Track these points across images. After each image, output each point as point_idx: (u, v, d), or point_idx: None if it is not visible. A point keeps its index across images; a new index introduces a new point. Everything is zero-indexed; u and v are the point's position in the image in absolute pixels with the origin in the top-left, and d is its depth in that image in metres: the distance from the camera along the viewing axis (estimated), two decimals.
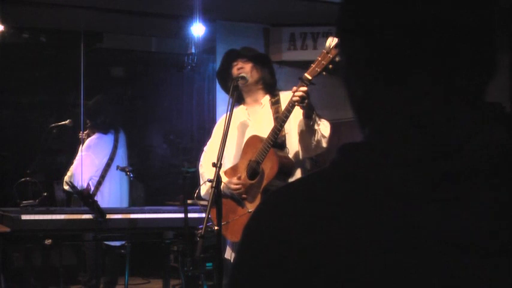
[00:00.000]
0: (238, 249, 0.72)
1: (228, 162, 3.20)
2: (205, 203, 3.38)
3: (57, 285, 4.53)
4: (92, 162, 5.31)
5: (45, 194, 4.48)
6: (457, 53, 0.66)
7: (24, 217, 4.01)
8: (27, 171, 4.72)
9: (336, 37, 0.73)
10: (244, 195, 3.07)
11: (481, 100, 0.68)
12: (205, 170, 3.27)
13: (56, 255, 4.59)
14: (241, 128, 3.22)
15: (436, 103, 0.66)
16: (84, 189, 4.74)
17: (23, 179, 4.59)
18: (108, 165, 5.33)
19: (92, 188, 5.22)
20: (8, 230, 4.00)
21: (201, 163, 3.37)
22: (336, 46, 2.80)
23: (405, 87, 0.68)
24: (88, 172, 5.29)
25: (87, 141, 5.39)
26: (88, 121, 5.51)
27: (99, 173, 5.31)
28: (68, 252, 5.65)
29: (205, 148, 3.41)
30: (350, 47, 0.72)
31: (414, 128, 0.66)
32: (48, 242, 3.94)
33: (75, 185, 4.89)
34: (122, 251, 4.79)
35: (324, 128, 2.96)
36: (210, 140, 3.40)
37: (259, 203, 0.73)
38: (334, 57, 2.79)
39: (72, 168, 5.35)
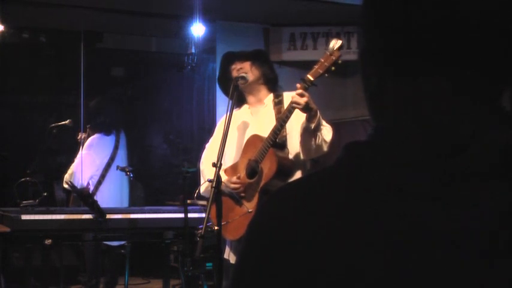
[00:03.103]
0: (241, 249, 0.72)
1: (228, 161, 3.20)
2: (205, 203, 3.39)
3: (57, 285, 4.53)
4: (93, 162, 5.31)
5: (45, 194, 4.48)
6: (471, 53, 0.66)
7: (24, 217, 4.01)
8: (27, 171, 4.72)
9: (358, 26, 0.74)
10: (242, 194, 3.07)
11: (491, 101, 0.68)
12: (206, 167, 3.27)
13: (56, 255, 4.59)
14: (243, 127, 3.21)
15: (444, 102, 0.66)
16: (83, 188, 4.75)
17: (23, 179, 4.59)
18: (108, 165, 5.33)
19: (92, 188, 5.22)
20: (8, 230, 4.00)
21: (202, 160, 3.37)
22: (339, 48, 2.80)
23: (416, 84, 0.68)
24: (88, 171, 5.29)
25: (89, 140, 5.39)
26: (90, 122, 5.51)
27: (99, 172, 5.31)
28: (68, 252, 5.65)
29: (207, 145, 3.41)
30: (370, 38, 0.72)
31: (420, 126, 0.66)
32: (48, 242, 3.94)
33: (75, 184, 4.89)
34: (122, 251, 4.79)
35: (326, 132, 2.94)
36: (212, 138, 3.40)
37: (262, 202, 0.73)
38: (337, 59, 2.79)
39: (72, 167, 5.35)
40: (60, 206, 5.57)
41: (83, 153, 5.34)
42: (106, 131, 5.40)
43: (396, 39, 0.68)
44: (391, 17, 0.69)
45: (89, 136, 5.45)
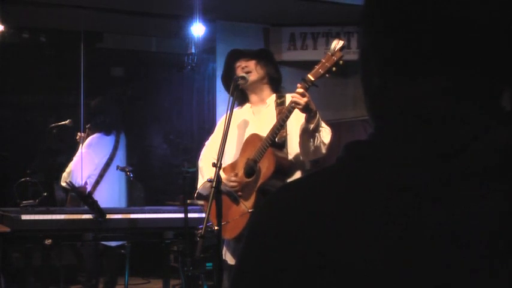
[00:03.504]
0: (241, 249, 0.72)
1: (228, 159, 3.20)
2: (203, 203, 3.39)
3: (57, 285, 4.53)
4: (92, 161, 5.30)
5: (45, 194, 4.48)
6: (471, 53, 0.66)
7: (24, 217, 4.01)
8: (27, 171, 4.73)
9: (359, 27, 0.73)
10: (239, 193, 3.07)
11: (491, 101, 0.68)
12: (204, 165, 3.27)
13: (56, 255, 4.59)
14: (243, 126, 3.21)
15: (444, 102, 0.66)
16: (80, 187, 4.73)
17: (23, 179, 4.59)
18: (107, 165, 5.32)
19: (89, 187, 5.21)
20: (8, 230, 4.00)
21: (200, 157, 3.37)
22: (341, 49, 2.79)
23: (416, 84, 0.68)
24: (86, 170, 5.28)
25: (89, 139, 5.38)
26: (90, 122, 5.50)
27: (97, 172, 5.29)
28: (68, 252, 5.65)
29: (207, 143, 3.41)
30: (371, 38, 0.72)
31: (420, 126, 0.66)
32: (48, 242, 3.94)
33: (73, 182, 4.88)
34: (122, 251, 4.79)
35: (324, 134, 2.93)
36: (212, 135, 3.39)
37: (262, 202, 0.73)
38: (338, 60, 2.78)
39: (71, 165, 5.33)
40: (60, 206, 5.57)
41: (82, 151, 5.33)
42: (106, 131, 5.40)
43: (396, 39, 0.68)
44: (391, 17, 0.69)
45: (88, 136, 5.44)
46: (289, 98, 3.13)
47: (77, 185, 4.90)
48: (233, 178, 3.06)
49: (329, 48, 2.83)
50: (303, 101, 2.79)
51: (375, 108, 0.73)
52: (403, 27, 0.67)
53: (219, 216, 2.83)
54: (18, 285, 4.66)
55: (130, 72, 7.64)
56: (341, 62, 2.79)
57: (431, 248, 0.61)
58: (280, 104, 3.16)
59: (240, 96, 3.21)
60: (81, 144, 5.41)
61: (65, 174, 5.31)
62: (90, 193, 4.64)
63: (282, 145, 3.06)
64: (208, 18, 5.80)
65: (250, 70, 3.15)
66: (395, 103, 0.69)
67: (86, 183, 5.19)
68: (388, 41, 0.69)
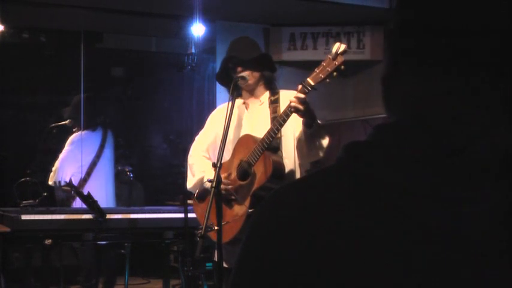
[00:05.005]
0: (241, 248, 0.72)
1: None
2: (192, 202, 3.37)
3: (57, 285, 4.53)
4: (75, 158, 5.25)
5: (45, 194, 4.47)
6: (474, 55, 0.66)
7: (24, 217, 4.01)
8: (27, 171, 4.72)
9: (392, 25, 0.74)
10: (233, 197, 3.01)
11: (492, 102, 0.68)
12: (195, 162, 3.24)
13: (56, 255, 4.59)
14: (236, 123, 3.17)
15: (445, 102, 0.67)
16: (67, 184, 4.70)
17: (23, 179, 4.59)
18: (93, 164, 5.27)
19: (75, 185, 5.15)
20: (8, 230, 4.00)
21: (190, 153, 3.32)
22: (343, 53, 2.69)
23: (418, 84, 0.68)
24: (71, 168, 5.22)
25: (72, 137, 5.33)
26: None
27: (83, 169, 5.26)
28: (68, 252, 5.65)
29: (197, 138, 3.36)
30: (388, 38, 0.73)
31: (421, 126, 0.66)
32: (48, 242, 3.94)
33: (60, 180, 4.86)
34: (122, 251, 4.79)
35: (322, 139, 2.89)
36: (202, 130, 3.35)
37: (262, 201, 0.73)
38: (339, 65, 2.68)
39: (56, 164, 5.29)
40: (60, 206, 5.57)
41: (66, 149, 5.29)
42: (92, 128, 5.35)
43: (402, 40, 0.69)
44: (399, 18, 0.69)
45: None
46: (282, 94, 3.10)
47: (63, 183, 4.87)
48: (226, 181, 3.01)
49: (330, 51, 2.73)
50: (302, 106, 2.74)
51: (385, 102, 0.73)
52: (406, 28, 0.68)
53: (219, 216, 2.81)
54: (18, 285, 4.66)
55: (130, 72, 7.64)
56: (342, 67, 2.69)
57: (431, 248, 0.61)
58: (273, 101, 3.11)
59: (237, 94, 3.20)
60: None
61: (51, 174, 5.28)
62: (78, 189, 4.62)
63: (276, 148, 3.00)
64: (208, 18, 5.79)
65: (247, 74, 3.13)
66: (398, 103, 0.70)
67: (70, 180, 5.14)
68: (396, 41, 0.70)
